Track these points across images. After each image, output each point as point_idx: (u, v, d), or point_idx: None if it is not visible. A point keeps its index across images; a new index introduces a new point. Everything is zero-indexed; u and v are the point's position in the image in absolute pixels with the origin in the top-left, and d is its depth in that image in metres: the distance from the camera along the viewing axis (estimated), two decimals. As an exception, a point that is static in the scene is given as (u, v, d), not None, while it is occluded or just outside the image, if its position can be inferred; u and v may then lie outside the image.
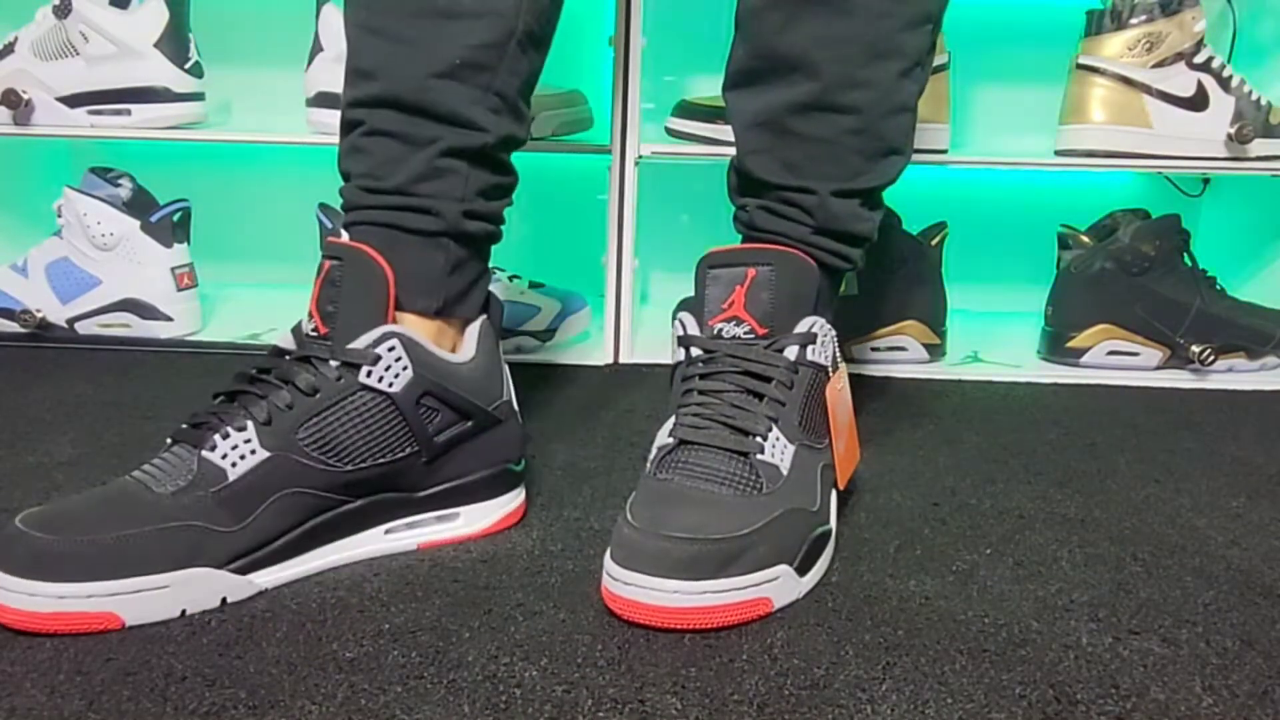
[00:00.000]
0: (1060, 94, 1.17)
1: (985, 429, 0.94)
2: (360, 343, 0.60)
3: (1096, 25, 1.13)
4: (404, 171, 0.65)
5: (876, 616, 0.58)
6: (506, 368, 0.70)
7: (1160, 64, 1.12)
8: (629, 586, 0.55)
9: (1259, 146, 1.13)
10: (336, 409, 0.60)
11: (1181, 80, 1.12)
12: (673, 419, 0.64)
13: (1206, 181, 1.34)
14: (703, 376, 0.65)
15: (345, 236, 0.67)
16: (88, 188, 1.15)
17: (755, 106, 0.71)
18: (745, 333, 0.65)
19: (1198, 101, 1.13)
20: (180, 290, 1.17)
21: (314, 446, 0.59)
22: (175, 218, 1.17)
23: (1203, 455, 0.88)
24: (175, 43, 1.17)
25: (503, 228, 0.71)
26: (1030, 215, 1.36)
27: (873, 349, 1.14)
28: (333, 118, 1.15)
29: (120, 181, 1.17)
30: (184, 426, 0.61)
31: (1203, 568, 0.66)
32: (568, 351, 1.16)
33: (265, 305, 1.32)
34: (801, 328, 0.66)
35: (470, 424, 0.65)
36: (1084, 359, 1.14)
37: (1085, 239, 1.16)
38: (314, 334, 0.62)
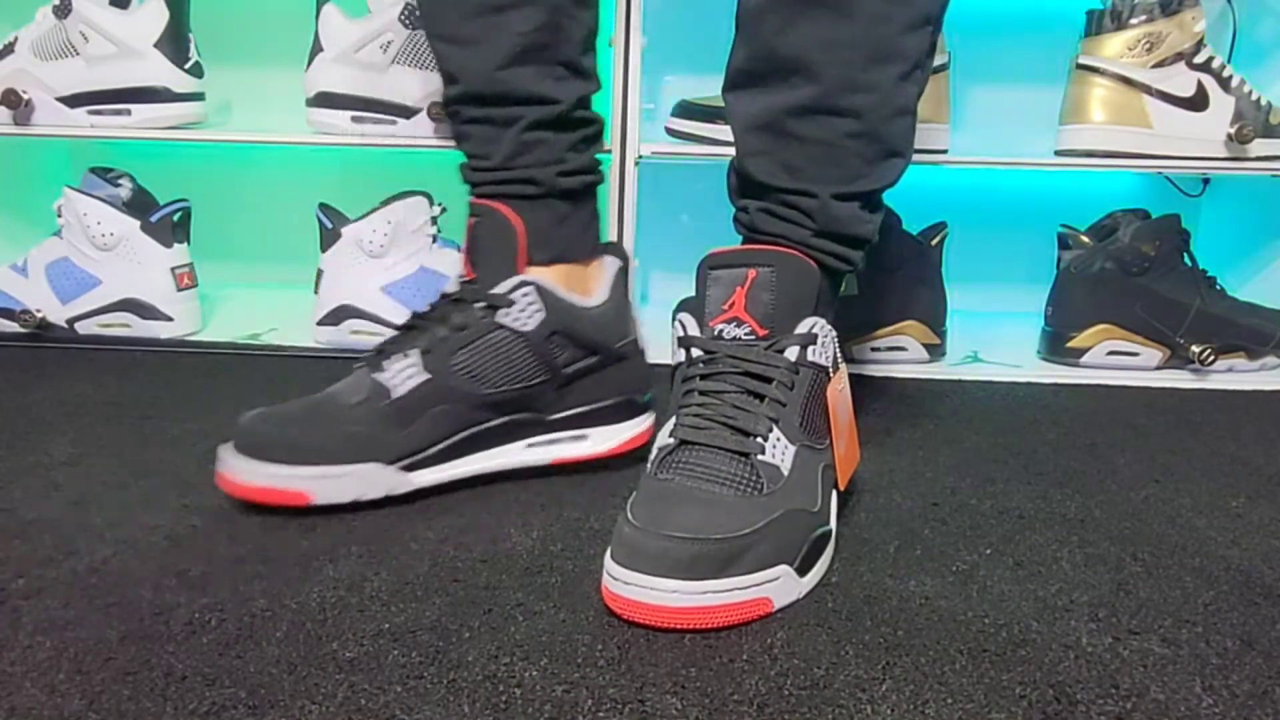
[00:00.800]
0: (1060, 94, 1.17)
1: (985, 429, 0.94)
2: (501, 288, 0.73)
3: (1096, 25, 1.13)
4: (500, 151, 0.75)
5: (876, 616, 0.58)
6: (636, 309, 0.81)
7: (1160, 64, 1.12)
8: (629, 586, 0.55)
9: (1259, 146, 1.13)
10: (480, 342, 0.73)
11: (1181, 80, 1.12)
12: (673, 419, 0.65)
13: (1206, 181, 1.34)
14: (703, 377, 0.65)
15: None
16: (88, 188, 1.15)
17: (755, 108, 0.71)
18: (746, 334, 0.65)
19: (1198, 101, 1.13)
20: (180, 290, 1.17)
21: (462, 372, 0.72)
22: (175, 218, 1.17)
23: (1203, 455, 0.88)
24: (175, 43, 1.17)
25: (598, 175, 0.80)
26: (1030, 215, 1.36)
27: (873, 349, 1.14)
28: (333, 118, 1.16)
29: (120, 181, 1.17)
30: (371, 352, 0.75)
31: (1203, 568, 0.66)
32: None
33: (265, 305, 1.32)
34: (802, 328, 0.66)
35: (596, 359, 0.77)
36: (1084, 359, 1.14)
37: (1085, 239, 1.16)
38: (464, 279, 0.76)
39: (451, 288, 0.76)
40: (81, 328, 1.17)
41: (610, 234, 1.15)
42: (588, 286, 0.77)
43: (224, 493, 0.71)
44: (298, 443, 0.69)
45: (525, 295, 0.73)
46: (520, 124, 0.74)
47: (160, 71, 1.17)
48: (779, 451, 0.62)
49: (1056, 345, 1.16)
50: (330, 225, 1.14)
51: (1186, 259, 1.15)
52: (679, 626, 0.55)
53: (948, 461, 0.85)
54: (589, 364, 0.76)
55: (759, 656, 0.54)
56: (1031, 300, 1.23)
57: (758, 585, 0.57)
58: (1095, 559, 0.67)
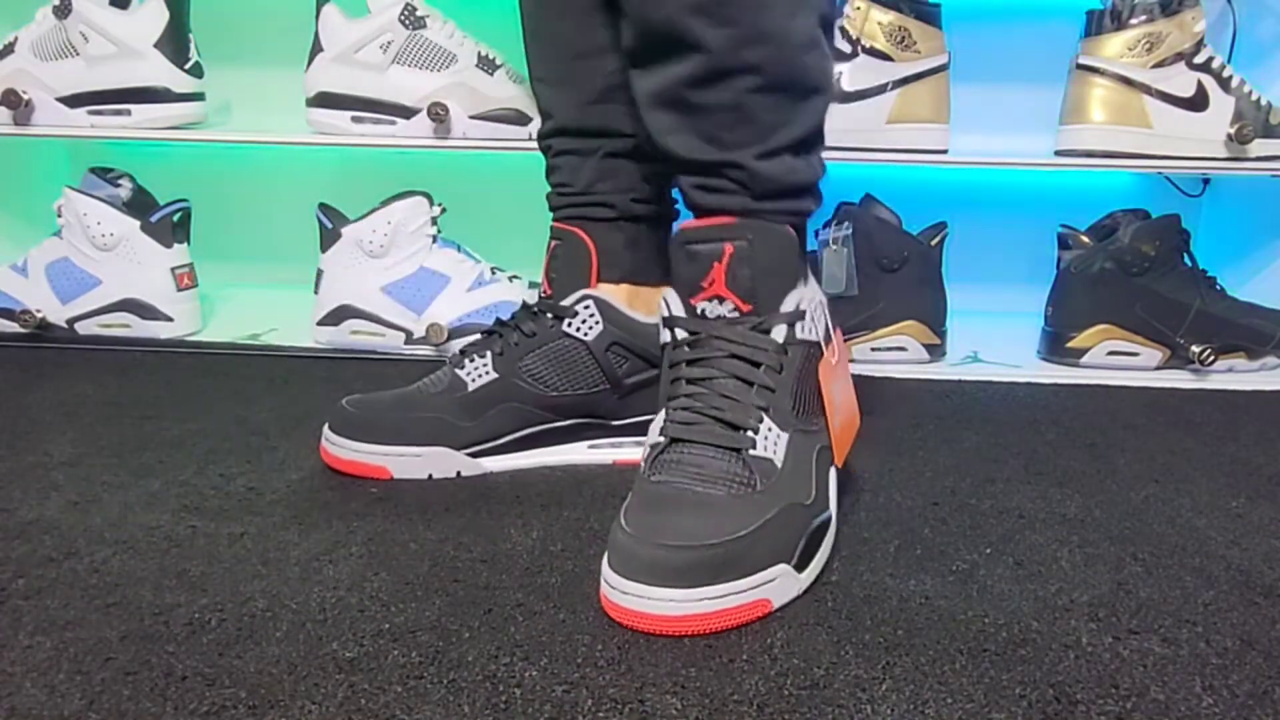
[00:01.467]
0: (1060, 94, 1.17)
1: (985, 429, 0.94)
2: (566, 300, 0.80)
3: (1096, 25, 1.13)
4: (582, 179, 0.82)
5: (876, 616, 0.58)
6: None
7: (1160, 64, 1.12)
8: (626, 595, 0.55)
9: (1259, 146, 1.13)
10: (545, 349, 0.80)
11: (1181, 80, 1.12)
12: (663, 414, 0.64)
13: (1206, 181, 1.34)
14: (690, 363, 0.65)
15: None
16: (88, 188, 1.15)
17: (653, 86, 0.67)
18: (730, 311, 0.64)
19: (1198, 101, 1.13)
20: (180, 290, 1.17)
21: (528, 374, 0.80)
22: (175, 218, 1.17)
23: (1203, 455, 0.88)
24: (175, 43, 1.17)
25: (671, 208, 0.85)
26: (1030, 215, 1.36)
27: (873, 349, 1.14)
28: (333, 118, 1.16)
29: (120, 181, 1.17)
30: (457, 352, 0.82)
31: (1203, 568, 0.66)
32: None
33: (265, 305, 1.32)
34: (789, 304, 0.65)
35: (656, 371, 0.80)
36: (1084, 359, 1.14)
37: (1085, 239, 1.16)
38: (543, 295, 0.83)
39: (531, 300, 0.84)
40: (81, 328, 1.17)
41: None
42: (652, 306, 0.80)
43: (326, 465, 0.80)
44: (378, 424, 0.78)
45: (586, 307, 0.79)
46: (599, 153, 0.81)
47: (160, 71, 1.17)
48: (770, 442, 0.62)
49: (1056, 345, 1.16)
50: (330, 225, 1.14)
51: (1186, 259, 1.15)
52: (678, 633, 0.55)
53: (948, 461, 0.85)
54: (649, 376, 0.81)
55: (759, 656, 0.54)
56: (1031, 300, 1.23)
57: (755, 587, 0.57)
58: (1095, 559, 0.67)
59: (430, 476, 0.78)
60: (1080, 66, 1.14)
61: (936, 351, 1.15)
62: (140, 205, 1.16)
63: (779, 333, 0.64)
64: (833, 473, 0.68)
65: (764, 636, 0.56)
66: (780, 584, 0.58)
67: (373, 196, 1.15)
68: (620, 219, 0.81)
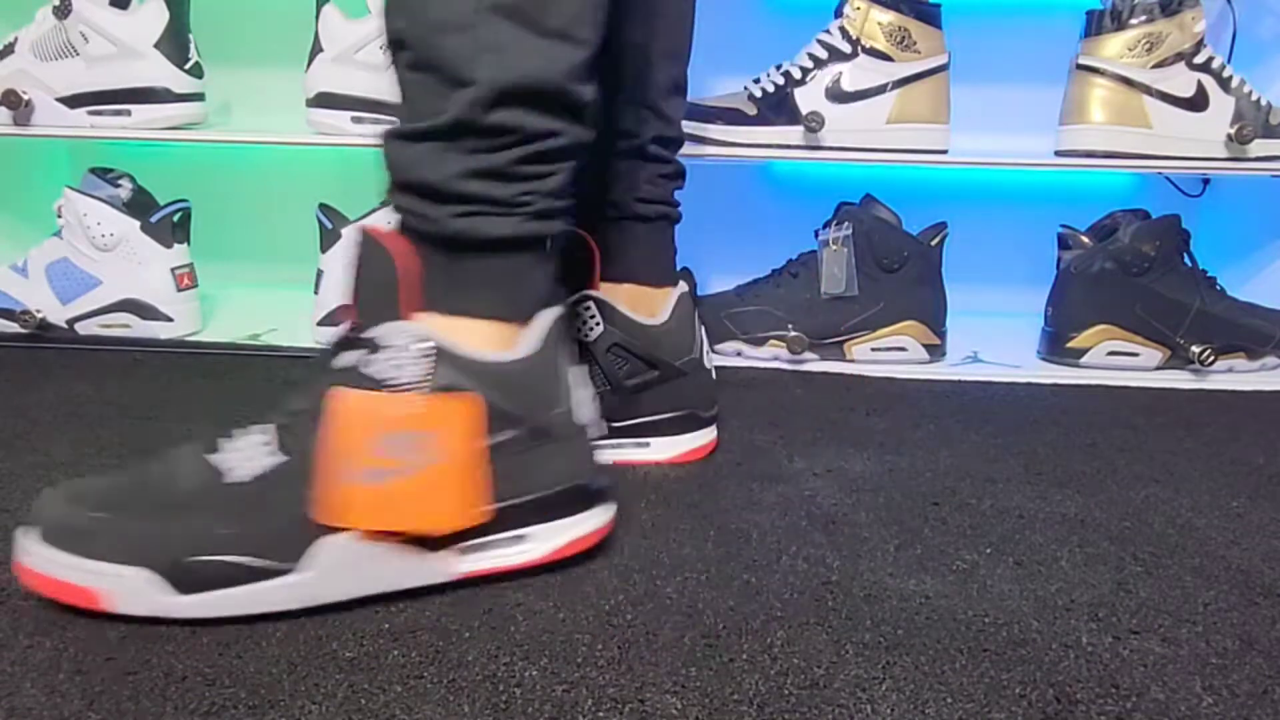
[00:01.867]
0: (1060, 94, 1.17)
1: (985, 429, 0.94)
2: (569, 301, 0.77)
3: (1096, 26, 1.13)
4: (590, 175, 0.78)
5: (876, 616, 0.58)
6: (701, 329, 0.85)
7: (1160, 64, 1.12)
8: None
9: (1259, 146, 1.13)
10: None
11: (1181, 80, 1.12)
12: None
13: (1206, 181, 1.34)
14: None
15: None
16: (88, 188, 1.15)
17: None
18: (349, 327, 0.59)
19: (1198, 102, 1.13)
20: (180, 290, 1.17)
21: None
22: (175, 218, 1.17)
23: (1203, 455, 0.88)
24: (175, 43, 1.17)
25: (676, 209, 0.85)
26: (1030, 215, 1.36)
27: (873, 349, 1.14)
28: (332, 118, 1.16)
29: (120, 182, 1.17)
30: None
31: (1203, 568, 0.66)
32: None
33: (265, 305, 1.32)
34: (372, 333, 0.57)
35: (657, 373, 0.81)
36: (1084, 359, 1.14)
37: (1085, 239, 1.16)
38: None
39: None
40: (81, 328, 1.17)
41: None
42: (654, 308, 0.81)
43: None
44: None
45: (587, 308, 0.79)
46: (606, 155, 0.80)
47: (160, 72, 1.17)
48: (241, 457, 0.57)
49: (1056, 345, 1.16)
50: (330, 225, 1.14)
51: (1186, 259, 1.15)
52: (26, 586, 0.55)
53: (948, 461, 0.85)
54: (651, 377, 0.81)
55: (759, 656, 0.54)
56: (1031, 300, 1.23)
57: (84, 573, 0.54)
58: (1095, 559, 0.67)
59: None
60: (1080, 66, 1.14)
61: (936, 351, 1.15)
62: (140, 205, 1.16)
63: (345, 359, 0.58)
64: (347, 539, 0.56)
65: (764, 636, 0.56)
66: (127, 586, 0.54)
67: (373, 196, 1.15)
68: (622, 218, 0.82)
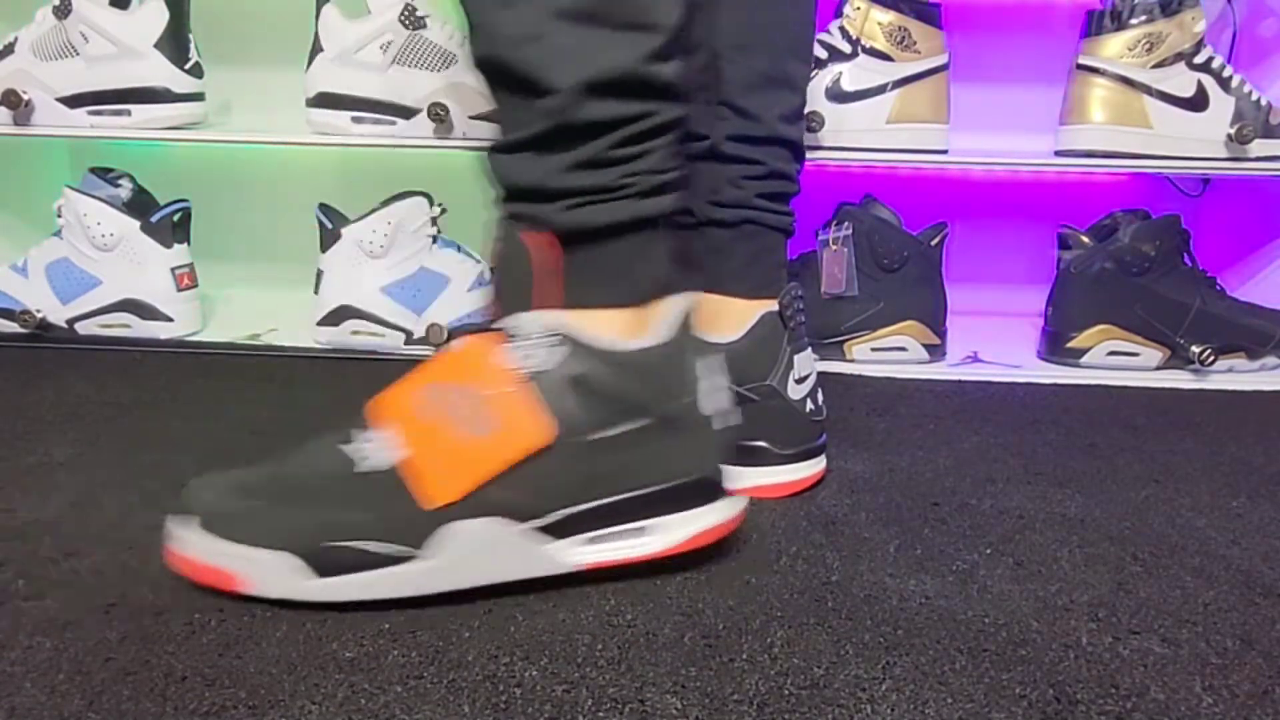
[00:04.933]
0: (1060, 94, 1.17)
1: (985, 429, 0.94)
2: None
3: (1096, 26, 1.13)
4: None
5: (876, 616, 0.58)
6: (795, 358, 0.77)
7: (1160, 64, 1.12)
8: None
9: (1259, 146, 1.13)
10: None
11: (1181, 80, 1.12)
12: None
13: (1206, 181, 1.34)
14: None
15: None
16: (88, 188, 1.15)
17: None
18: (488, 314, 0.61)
19: (1198, 102, 1.13)
20: (180, 290, 1.17)
21: None
22: (175, 218, 1.17)
23: (1203, 455, 0.88)
24: (175, 43, 1.17)
25: (776, 216, 0.78)
26: (1030, 215, 1.36)
27: (873, 349, 1.14)
28: (332, 118, 1.16)
29: (120, 181, 1.17)
30: None
31: (1203, 568, 0.66)
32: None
33: (265, 305, 1.32)
34: (505, 323, 0.59)
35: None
36: (1084, 359, 1.14)
37: (1085, 239, 1.16)
38: None
39: None
40: (81, 328, 1.17)
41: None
42: (736, 322, 0.77)
43: None
44: None
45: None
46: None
47: (160, 71, 1.17)
48: (371, 448, 0.59)
49: (1056, 345, 1.16)
50: (330, 225, 1.14)
51: (1186, 259, 1.15)
52: (173, 567, 0.59)
53: (948, 461, 0.85)
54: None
55: (759, 656, 0.54)
56: (1031, 300, 1.23)
57: (223, 554, 0.57)
58: (1095, 559, 0.67)
59: None
60: (1080, 66, 1.14)
61: (936, 351, 1.15)
62: (140, 205, 1.16)
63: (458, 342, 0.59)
64: (474, 526, 0.58)
65: (764, 636, 0.56)
66: (266, 569, 0.56)
67: (373, 196, 1.15)
68: (701, 225, 0.77)
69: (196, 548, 0.57)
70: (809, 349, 0.80)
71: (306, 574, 0.56)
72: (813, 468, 0.78)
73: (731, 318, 0.76)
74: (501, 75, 0.58)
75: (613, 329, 0.60)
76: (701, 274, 0.77)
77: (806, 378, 0.78)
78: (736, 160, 0.76)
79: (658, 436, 0.60)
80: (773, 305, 0.77)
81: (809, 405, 0.78)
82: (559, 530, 0.59)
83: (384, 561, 0.57)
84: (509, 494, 0.57)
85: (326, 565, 0.56)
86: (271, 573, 0.56)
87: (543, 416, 0.57)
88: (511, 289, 0.59)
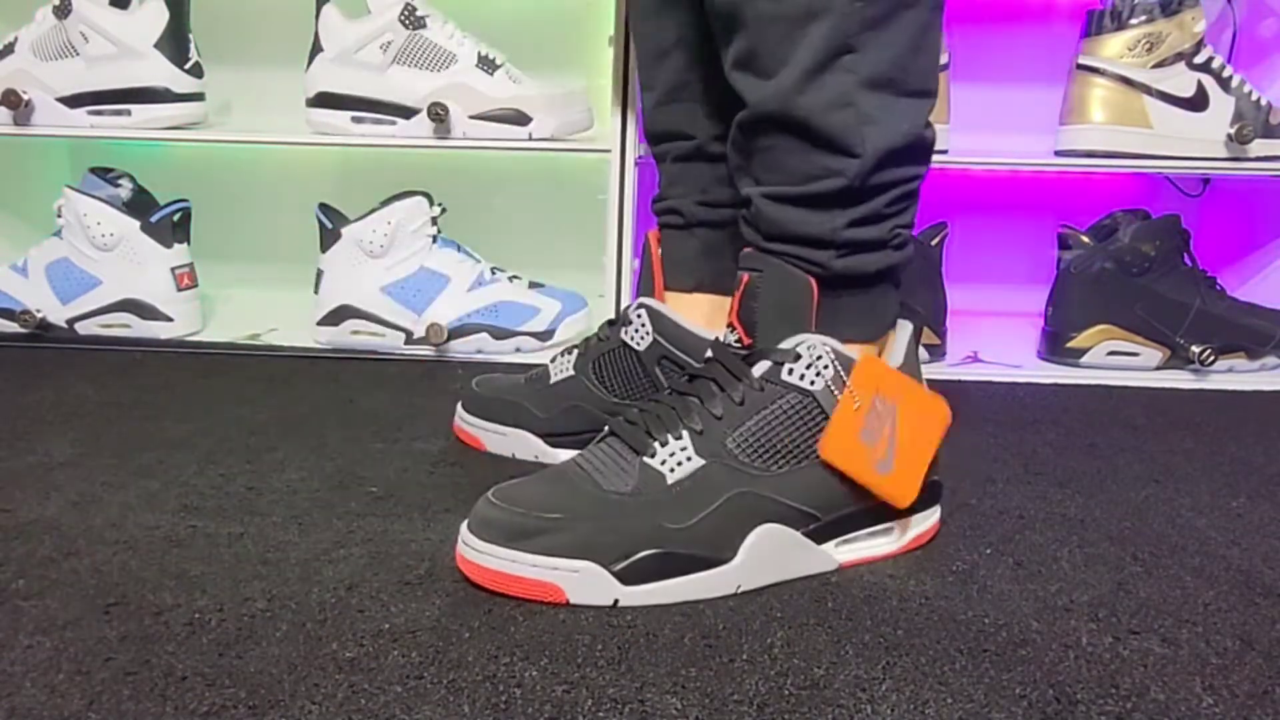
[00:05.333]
0: (1060, 94, 1.17)
1: (985, 429, 0.94)
2: (626, 308, 0.80)
3: (1096, 25, 1.13)
4: (662, 183, 0.82)
5: (876, 616, 0.58)
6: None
7: (1160, 64, 1.12)
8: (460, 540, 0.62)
9: (1259, 146, 1.13)
10: (609, 354, 0.82)
11: (1181, 80, 1.12)
12: None
13: (1206, 181, 1.34)
14: (688, 379, 0.65)
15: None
16: (88, 188, 1.15)
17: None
18: (735, 341, 0.64)
19: (1198, 102, 1.13)
20: (180, 290, 1.17)
21: (595, 377, 0.82)
22: (175, 218, 1.17)
23: (1203, 455, 0.88)
24: (175, 43, 1.17)
25: None
26: (1030, 215, 1.36)
27: (873, 349, 1.14)
28: (332, 118, 1.16)
29: (120, 181, 1.17)
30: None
31: (1203, 568, 0.66)
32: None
33: (265, 305, 1.32)
34: (787, 344, 0.62)
35: None
36: (1084, 359, 1.14)
37: (1085, 239, 1.16)
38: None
39: None
40: (81, 328, 1.17)
41: (610, 234, 1.15)
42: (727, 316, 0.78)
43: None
44: (485, 402, 0.84)
45: (639, 316, 0.79)
46: (669, 158, 0.80)
47: (160, 71, 1.17)
48: (673, 460, 0.61)
49: (1056, 345, 1.16)
50: (330, 225, 1.14)
51: (1186, 259, 1.15)
52: (478, 581, 0.60)
53: (948, 461, 0.85)
54: None
55: (759, 656, 0.54)
56: (1031, 300, 1.23)
57: (544, 568, 0.58)
58: (1095, 559, 0.67)
59: (514, 455, 0.83)
60: (1080, 66, 1.14)
61: (936, 351, 1.15)
62: (140, 205, 1.16)
63: (760, 368, 0.62)
64: (770, 530, 0.61)
65: (764, 636, 0.56)
66: (583, 579, 0.58)
67: (373, 196, 1.15)
68: (690, 225, 0.79)
69: (508, 562, 0.59)
70: None
71: (614, 583, 0.58)
72: None
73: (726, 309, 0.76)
74: (803, 133, 0.62)
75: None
76: (691, 274, 0.79)
77: None
78: (724, 158, 0.75)
79: None
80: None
81: None
82: (822, 536, 0.64)
83: (697, 566, 0.59)
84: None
85: (634, 573, 0.58)
86: (584, 583, 0.58)
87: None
88: (780, 314, 0.63)
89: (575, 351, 0.83)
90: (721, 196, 0.78)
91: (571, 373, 0.82)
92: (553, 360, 0.85)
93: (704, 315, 0.78)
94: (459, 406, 0.87)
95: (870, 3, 0.59)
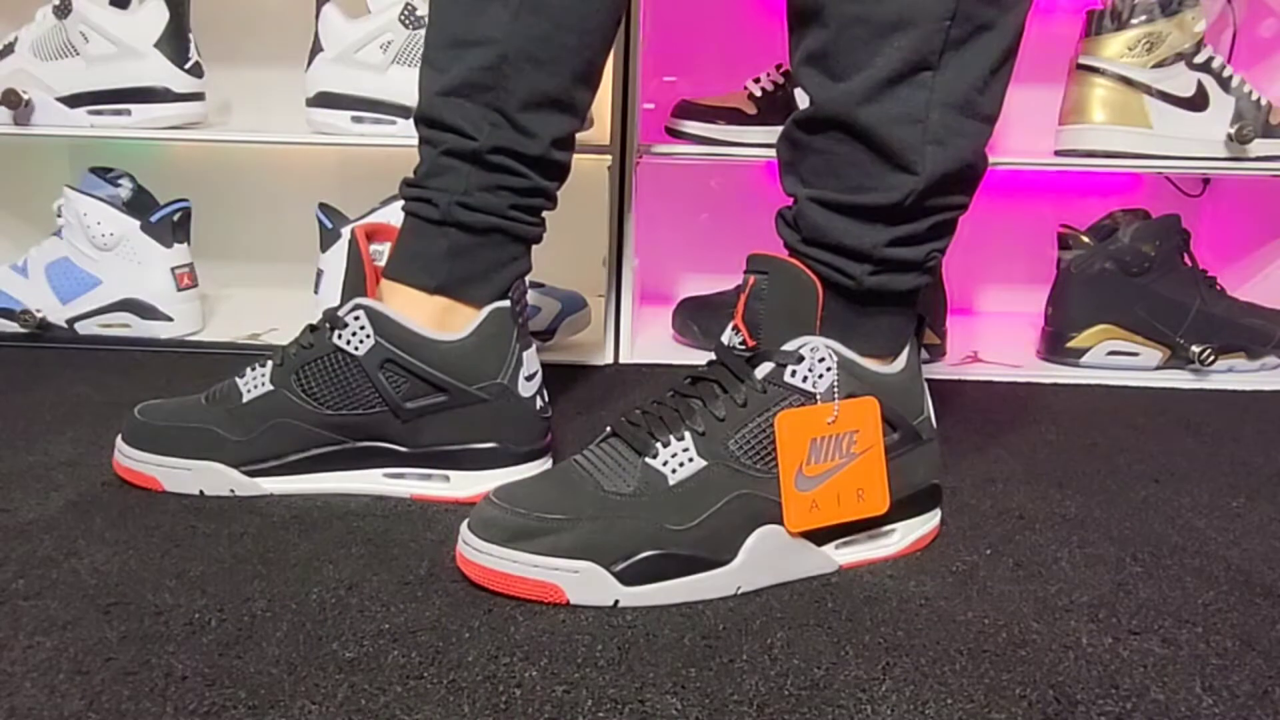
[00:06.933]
0: (1060, 94, 1.17)
1: (985, 429, 0.94)
2: (342, 309, 0.72)
3: (1096, 25, 1.13)
4: (422, 168, 0.76)
5: (876, 616, 0.58)
6: (524, 355, 0.75)
7: (1160, 64, 1.12)
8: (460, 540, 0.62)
9: (1259, 146, 1.13)
10: (319, 362, 0.72)
11: (1181, 80, 1.12)
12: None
13: (1206, 181, 1.34)
14: (690, 380, 0.65)
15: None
16: (88, 188, 1.15)
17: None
18: (739, 343, 0.64)
19: (1198, 101, 1.13)
20: (180, 290, 1.17)
21: (303, 389, 0.72)
22: (175, 218, 1.17)
23: (1203, 455, 0.88)
24: (175, 43, 1.17)
25: (526, 227, 0.76)
26: (1030, 215, 1.36)
27: (873, 349, 1.14)
28: (332, 118, 1.16)
29: (120, 181, 1.17)
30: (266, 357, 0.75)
31: (1203, 568, 0.66)
32: (568, 351, 1.16)
33: (265, 305, 1.32)
34: (790, 345, 0.62)
35: (444, 397, 0.72)
36: (1084, 359, 1.14)
37: (1085, 239, 1.16)
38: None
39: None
40: (81, 328, 1.17)
41: (610, 234, 1.15)
42: (459, 324, 0.73)
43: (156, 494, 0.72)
44: (156, 432, 0.74)
45: (356, 318, 0.71)
46: (440, 148, 0.74)
47: (160, 71, 1.17)
48: (675, 461, 0.60)
49: (1056, 345, 1.16)
50: (330, 225, 1.14)
51: (1186, 259, 1.15)
52: (478, 581, 0.60)
53: (948, 461, 0.85)
54: (437, 402, 0.72)
55: (759, 656, 0.54)
56: (1031, 300, 1.23)
57: (544, 569, 0.58)
58: (1095, 559, 0.67)
59: (201, 493, 0.72)
60: (1080, 66, 1.14)
61: (936, 351, 1.15)
62: (140, 205, 1.16)
63: (763, 370, 0.62)
64: (770, 531, 0.61)
65: (764, 636, 0.56)
66: (583, 580, 0.58)
67: (373, 196, 1.15)
68: (443, 223, 0.73)
69: (508, 562, 0.59)
70: (534, 345, 0.77)
71: (613, 583, 0.58)
72: (541, 466, 0.77)
73: (461, 315, 0.73)
74: (865, 141, 0.61)
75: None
76: (428, 272, 0.73)
77: (534, 375, 0.76)
78: (499, 170, 0.73)
79: (907, 448, 0.66)
80: (503, 306, 0.74)
81: (538, 403, 0.76)
82: (823, 539, 0.63)
83: (696, 567, 0.59)
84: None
85: (634, 574, 0.58)
86: (583, 583, 0.58)
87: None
88: (786, 315, 0.62)
89: (270, 364, 0.73)
90: (483, 203, 0.73)
91: (270, 387, 0.72)
92: (240, 376, 0.74)
93: (432, 318, 0.72)
94: (119, 439, 0.75)
95: (957, 23, 0.58)
